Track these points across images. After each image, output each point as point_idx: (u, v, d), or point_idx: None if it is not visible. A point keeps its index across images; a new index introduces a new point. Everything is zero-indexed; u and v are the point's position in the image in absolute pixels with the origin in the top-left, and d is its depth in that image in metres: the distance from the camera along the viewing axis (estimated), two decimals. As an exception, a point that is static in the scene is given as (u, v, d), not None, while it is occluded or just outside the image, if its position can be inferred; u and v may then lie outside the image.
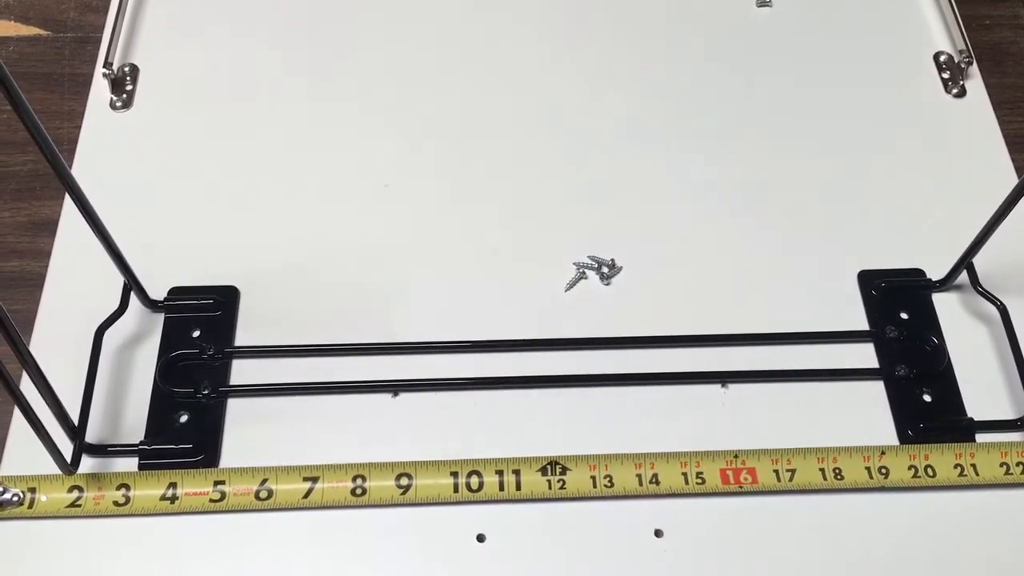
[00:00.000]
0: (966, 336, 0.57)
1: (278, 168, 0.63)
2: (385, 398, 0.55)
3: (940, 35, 0.70)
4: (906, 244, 0.61)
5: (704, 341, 0.57)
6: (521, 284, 0.59)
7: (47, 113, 0.67)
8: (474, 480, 0.51)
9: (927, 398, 0.55)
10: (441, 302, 0.58)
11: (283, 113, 0.66)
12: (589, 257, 0.60)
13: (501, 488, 0.51)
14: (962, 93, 0.67)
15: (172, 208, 0.61)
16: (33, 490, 0.50)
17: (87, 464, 0.51)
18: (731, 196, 0.63)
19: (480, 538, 0.51)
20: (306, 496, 0.51)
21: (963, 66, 0.68)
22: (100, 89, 0.67)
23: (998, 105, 0.67)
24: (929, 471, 0.52)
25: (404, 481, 0.51)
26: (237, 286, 0.58)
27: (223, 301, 0.57)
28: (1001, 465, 0.52)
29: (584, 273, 0.59)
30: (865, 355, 0.57)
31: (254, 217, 0.61)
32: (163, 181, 0.63)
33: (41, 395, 0.47)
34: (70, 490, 0.50)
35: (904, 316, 0.58)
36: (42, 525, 0.50)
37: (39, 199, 0.64)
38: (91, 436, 0.52)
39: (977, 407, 0.55)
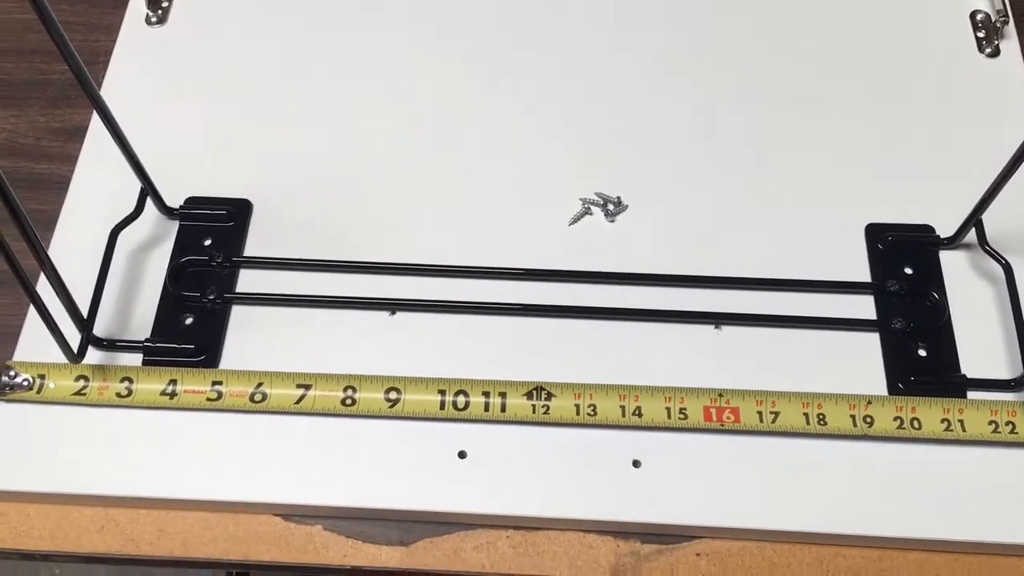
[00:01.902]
0: (969, 294, 0.56)
1: (298, 88, 0.65)
2: (383, 316, 0.56)
3: (979, -7, 0.68)
4: (920, 200, 0.60)
5: (701, 282, 0.57)
6: (527, 215, 0.59)
7: (87, 26, 0.69)
8: (460, 399, 0.53)
9: (922, 353, 0.55)
10: (445, 226, 0.59)
11: (306, 35, 0.67)
12: (596, 193, 0.60)
13: (486, 409, 0.52)
14: (996, 53, 0.66)
15: (195, 122, 0.63)
16: (42, 376, 0.53)
17: (95, 357, 0.54)
18: (748, 141, 0.62)
19: (462, 455, 0.52)
20: (298, 402, 0.53)
21: (999, 26, 0.66)
22: (138, 4, 0.69)
23: (1032, 67, 0.65)
24: (915, 423, 0.52)
25: (393, 395, 0.53)
26: (251, 200, 0.60)
27: (236, 213, 0.59)
28: (990, 423, 0.52)
29: (589, 209, 0.60)
30: (865, 308, 0.56)
31: (272, 135, 0.63)
32: (189, 96, 0.65)
33: (51, 286, 0.49)
34: (77, 379, 0.53)
35: (908, 271, 0.57)
36: (48, 410, 0.53)
37: (73, 107, 0.66)
38: (100, 331, 0.55)
39: (973, 366, 0.54)
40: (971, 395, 0.53)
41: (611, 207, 0.59)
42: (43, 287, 0.50)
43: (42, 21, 0.47)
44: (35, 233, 0.46)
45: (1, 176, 0.43)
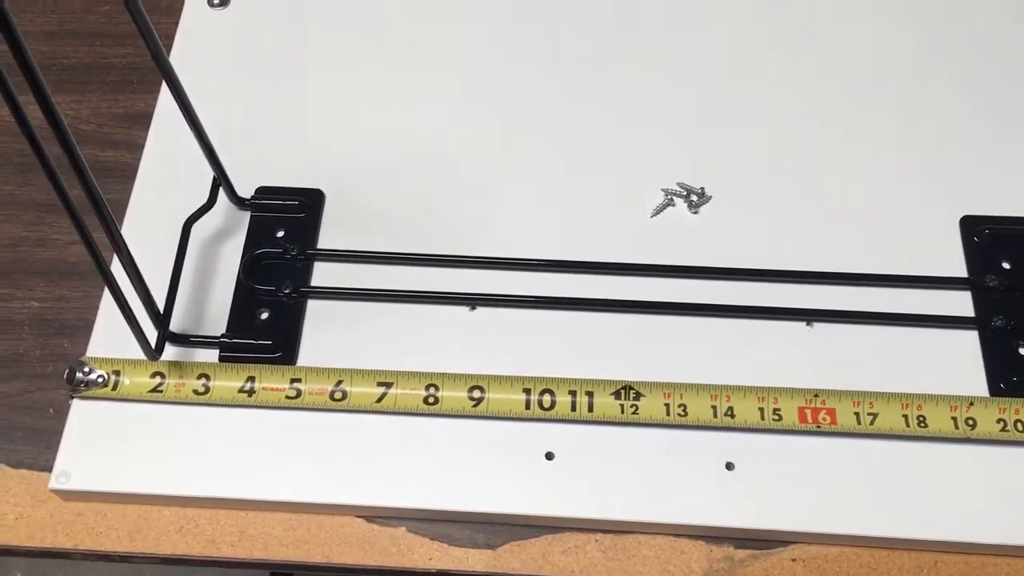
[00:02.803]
0: (1072, 291, 0.54)
1: (369, 76, 0.63)
2: (463, 311, 0.54)
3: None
4: (1015, 191, 0.58)
5: (790, 277, 0.55)
6: (608, 206, 0.58)
7: (146, 7, 0.67)
8: (546, 398, 0.51)
9: (1023, 352, 0.53)
10: (525, 218, 0.57)
11: (377, 23, 0.65)
12: (678, 184, 0.58)
13: (573, 408, 0.51)
14: (1092, 35, 0.63)
15: (262, 109, 0.62)
16: (118, 373, 0.52)
17: (169, 352, 0.53)
18: (831, 130, 0.60)
19: (549, 456, 0.50)
20: (379, 400, 0.51)
21: (1096, 6, 0.63)
22: (199, -14, 0.67)
23: None
24: (1019, 426, 0.50)
25: (476, 394, 0.51)
26: (323, 189, 0.58)
27: (308, 204, 0.57)
28: (1097, 426, 0.50)
29: (672, 200, 0.58)
30: (962, 304, 0.54)
31: (343, 123, 0.61)
32: (254, 82, 0.63)
33: (131, 282, 0.48)
34: (152, 375, 0.52)
35: (1006, 266, 0.55)
36: (124, 407, 0.52)
37: (136, 92, 0.64)
38: (175, 326, 0.53)
39: (1077, 365, 0.52)
40: (1076, 396, 0.51)
41: (694, 198, 0.58)
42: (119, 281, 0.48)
43: (124, 1, 0.45)
44: (116, 225, 0.45)
45: (84, 163, 0.41)
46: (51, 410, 0.53)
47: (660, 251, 0.56)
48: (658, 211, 0.58)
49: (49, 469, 0.51)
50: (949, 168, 0.59)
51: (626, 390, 0.51)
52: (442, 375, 0.52)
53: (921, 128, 0.60)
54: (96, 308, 0.55)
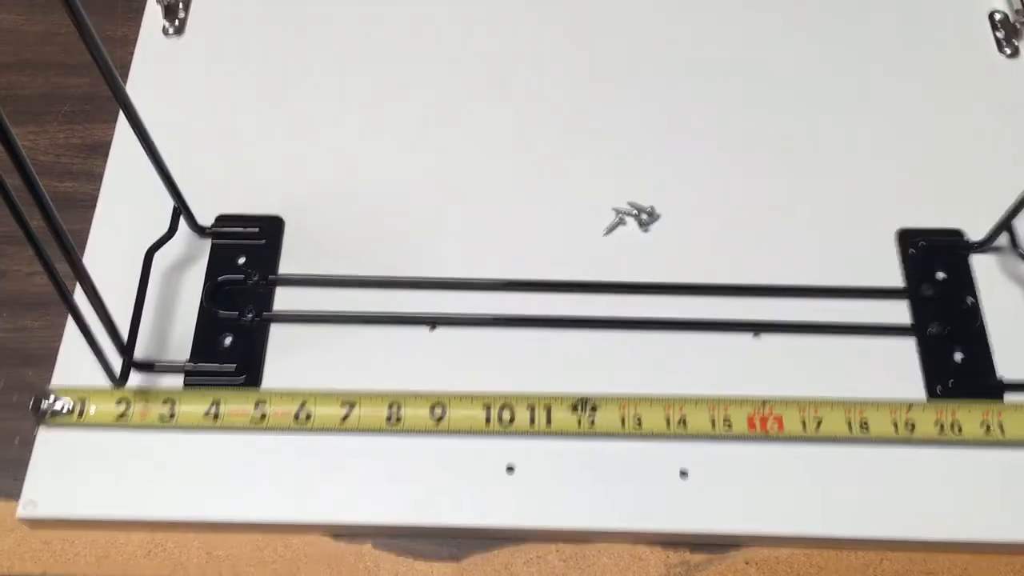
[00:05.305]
0: (1003, 298, 0.57)
1: (324, 101, 0.64)
2: (423, 331, 0.56)
3: (997, -7, 0.69)
4: (947, 204, 0.60)
5: (738, 291, 0.57)
6: (561, 226, 0.59)
7: (101, 36, 0.67)
8: (506, 414, 0.53)
9: (958, 357, 0.55)
10: (481, 239, 0.59)
11: (333, 50, 0.66)
12: (628, 203, 0.60)
13: (532, 422, 0.53)
14: (1016, 53, 0.66)
15: (219, 136, 0.63)
16: (83, 401, 0.53)
17: (134, 380, 0.53)
18: (774, 149, 0.63)
19: (510, 469, 0.52)
20: (343, 420, 0.52)
21: (1019, 26, 0.67)
22: (153, 15, 0.68)
23: (1052, 67, 0.66)
24: (955, 427, 0.53)
25: (438, 412, 0.53)
26: (282, 216, 0.59)
27: (268, 230, 0.58)
28: (1028, 426, 0.53)
29: (623, 219, 0.60)
30: (899, 313, 0.57)
31: (300, 149, 0.62)
32: (211, 109, 0.64)
33: (95, 311, 0.48)
34: (118, 403, 0.53)
35: (941, 276, 0.58)
36: (90, 434, 0.52)
37: (92, 122, 0.65)
38: (139, 353, 0.54)
39: (1009, 369, 0.55)
40: (1008, 397, 0.54)
41: (644, 216, 0.60)
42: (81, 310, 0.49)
43: (77, 27, 0.46)
44: (78, 255, 0.46)
45: (44, 194, 0.42)
46: (17, 439, 0.53)
47: (612, 269, 0.58)
48: (610, 230, 0.59)
49: (16, 498, 0.51)
50: (885, 184, 0.61)
51: (583, 403, 0.53)
52: (404, 394, 0.53)
53: (857, 146, 0.63)
54: (59, 338, 0.55)
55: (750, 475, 0.52)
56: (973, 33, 0.67)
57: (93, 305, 0.48)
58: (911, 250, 0.59)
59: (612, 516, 0.51)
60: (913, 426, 0.53)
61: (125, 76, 0.65)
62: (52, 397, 0.52)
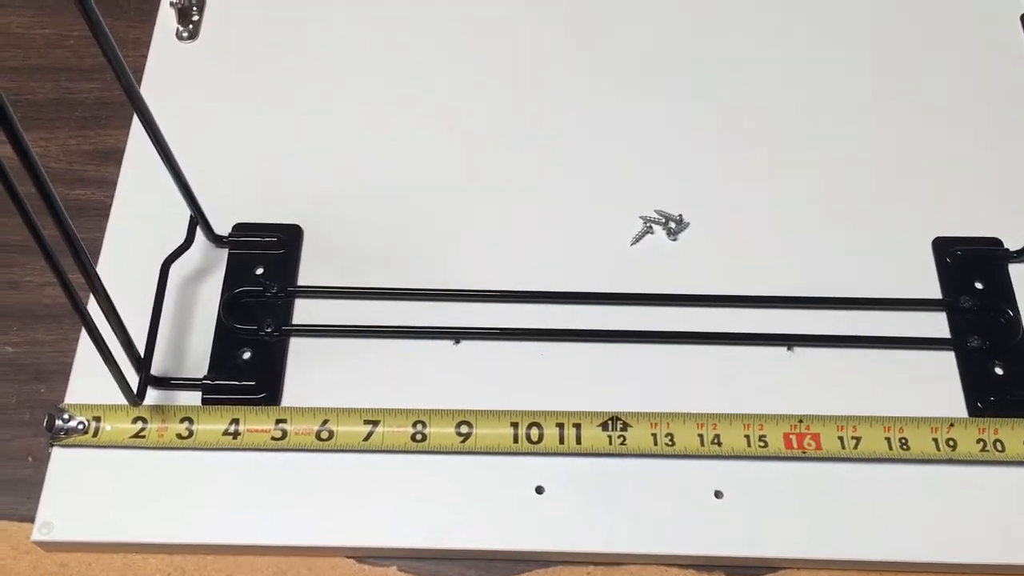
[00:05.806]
0: (1043, 309, 0.56)
1: (344, 108, 0.63)
2: (447, 345, 0.54)
3: (1031, -6, 0.67)
4: (984, 212, 0.59)
5: (770, 302, 0.56)
6: (587, 236, 0.58)
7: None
8: (534, 432, 0.51)
9: (999, 371, 0.54)
10: (502, 250, 0.57)
11: (350, 52, 0.65)
12: (656, 211, 0.59)
13: (561, 441, 0.51)
14: (1051, 56, 0.65)
15: (235, 143, 0.61)
16: (98, 419, 0.51)
17: (151, 396, 0.52)
18: (806, 157, 0.61)
19: (539, 490, 0.50)
20: (366, 439, 0.51)
21: (1053, 28, 0.65)
22: (167, 18, 0.66)
23: (1088, 70, 0.64)
24: (998, 445, 0.51)
25: (464, 429, 0.51)
26: (301, 225, 0.58)
27: (287, 239, 0.57)
28: (1074, 443, 0.51)
29: (651, 227, 0.58)
30: (937, 324, 0.55)
31: (319, 155, 0.61)
32: (226, 115, 0.62)
33: (110, 325, 0.47)
34: (134, 421, 0.51)
35: (979, 286, 0.56)
36: (106, 454, 0.51)
37: (105, 128, 0.63)
38: (155, 369, 0.52)
39: (1050, 383, 0.53)
40: (1051, 414, 0.52)
41: (672, 225, 0.58)
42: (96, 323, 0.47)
43: (92, 31, 0.44)
44: (92, 265, 0.44)
45: (58, 202, 0.40)
46: (30, 459, 0.52)
47: (641, 279, 0.56)
48: (637, 239, 0.58)
49: (30, 519, 0.50)
50: (920, 192, 0.60)
51: (613, 421, 0.52)
52: (429, 411, 0.52)
53: (892, 153, 0.61)
54: (73, 352, 0.54)
55: (787, 496, 0.50)
56: (1007, 36, 0.66)
57: (108, 319, 0.46)
58: (947, 259, 0.57)
59: (644, 539, 0.49)
60: (955, 444, 0.51)
61: (138, 81, 0.63)
62: (66, 415, 0.51)
